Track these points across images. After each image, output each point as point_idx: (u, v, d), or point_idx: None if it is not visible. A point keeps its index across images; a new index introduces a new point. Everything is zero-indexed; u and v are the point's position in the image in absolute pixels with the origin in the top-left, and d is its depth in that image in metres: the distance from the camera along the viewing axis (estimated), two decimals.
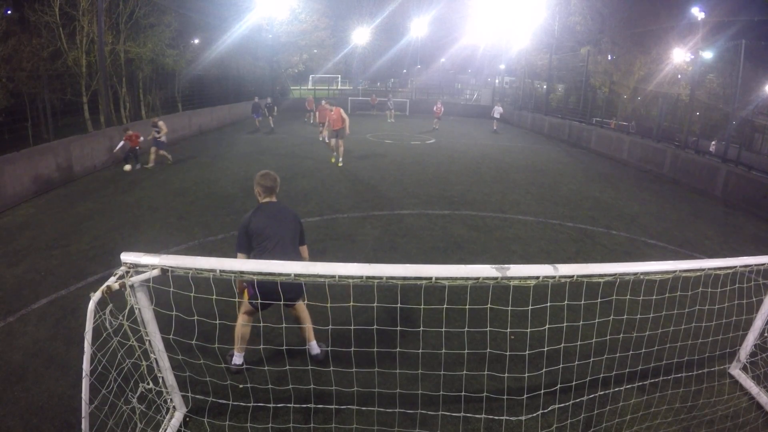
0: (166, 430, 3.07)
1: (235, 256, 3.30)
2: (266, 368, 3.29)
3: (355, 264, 2.40)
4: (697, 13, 25.04)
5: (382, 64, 43.30)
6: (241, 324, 3.61)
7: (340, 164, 12.18)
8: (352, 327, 3.26)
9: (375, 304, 2.98)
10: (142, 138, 11.32)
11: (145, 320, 2.71)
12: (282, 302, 3.36)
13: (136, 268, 2.50)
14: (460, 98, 39.30)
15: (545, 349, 3.08)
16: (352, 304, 2.97)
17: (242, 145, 15.52)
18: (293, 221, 3.61)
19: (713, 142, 18.89)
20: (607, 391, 3.54)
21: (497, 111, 22.86)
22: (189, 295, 2.67)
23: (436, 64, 48.24)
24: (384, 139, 17.86)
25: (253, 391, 3.33)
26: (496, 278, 2.40)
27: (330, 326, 3.03)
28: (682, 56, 26.31)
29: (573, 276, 2.50)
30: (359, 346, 3.43)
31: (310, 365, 3.29)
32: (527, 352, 3.20)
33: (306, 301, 3.50)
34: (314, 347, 3.81)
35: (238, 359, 3.71)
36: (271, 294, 3.19)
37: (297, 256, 3.55)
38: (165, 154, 11.75)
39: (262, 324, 3.46)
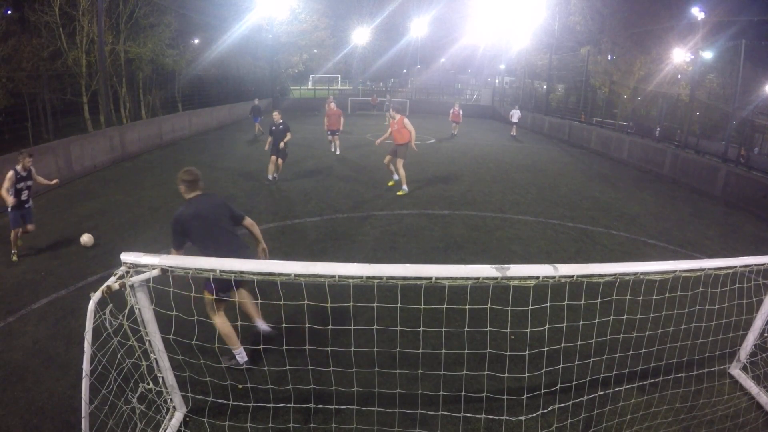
0: (166, 430, 3.07)
1: (169, 253, 3.36)
2: (266, 368, 3.29)
3: (355, 264, 2.40)
4: (697, 13, 25.05)
5: (382, 64, 43.26)
6: (221, 324, 3.68)
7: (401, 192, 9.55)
8: (352, 327, 3.27)
9: (375, 304, 2.98)
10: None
11: (145, 320, 2.71)
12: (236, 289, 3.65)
13: (136, 268, 2.50)
14: (460, 98, 39.29)
15: (545, 349, 3.08)
16: (352, 304, 2.97)
17: (242, 146, 15.53)
18: (220, 207, 3.82)
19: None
20: (607, 391, 3.54)
21: (516, 115, 21.09)
22: (189, 295, 2.67)
23: (436, 64, 48.19)
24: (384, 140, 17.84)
25: (253, 391, 3.33)
26: (496, 278, 2.40)
27: (330, 326, 3.03)
28: (682, 56, 26.31)
29: (573, 276, 2.50)
30: (359, 346, 3.43)
31: (309, 365, 3.29)
32: (527, 352, 3.20)
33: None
34: (262, 324, 3.91)
35: (240, 356, 3.77)
36: (228, 285, 3.45)
37: (234, 238, 3.80)
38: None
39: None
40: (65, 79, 17.31)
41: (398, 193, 9.45)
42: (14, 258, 5.83)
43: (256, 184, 10.06)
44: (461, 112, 19.85)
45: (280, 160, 9.98)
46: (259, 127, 17.54)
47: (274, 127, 9.97)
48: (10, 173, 5.74)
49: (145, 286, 2.64)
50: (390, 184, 10.17)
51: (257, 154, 13.71)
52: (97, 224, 7.25)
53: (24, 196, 5.85)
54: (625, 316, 3.70)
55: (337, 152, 13.91)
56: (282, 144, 9.81)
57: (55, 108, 15.00)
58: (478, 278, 2.41)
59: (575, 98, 26.42)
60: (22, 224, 5.85)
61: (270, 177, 10.05)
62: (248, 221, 4.02)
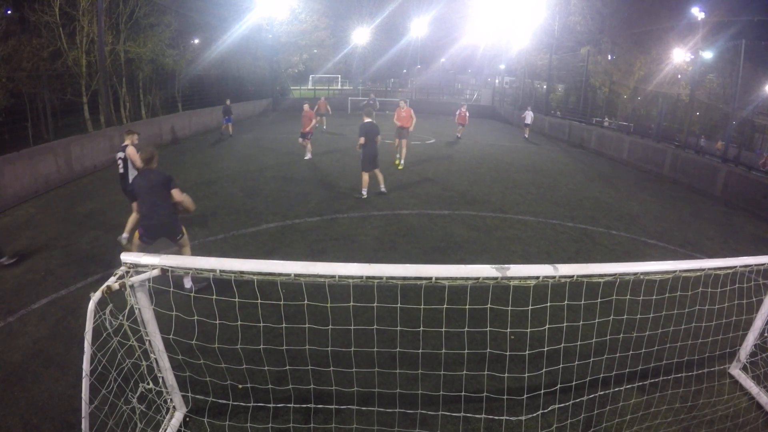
0: (166, 430, 3.07)
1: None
2: (266, 368, 3.29)
3: (355, 264, 2.40)
4: (697, 13, 25.05)
5: (382, 64, 43.28)
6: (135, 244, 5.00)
7: (401, 167, 11.75)
8: (352, 327, 3.26)
9: (375, 304, 2.98)
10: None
11: (145, 320, 2.71)
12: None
13: (136, 268, 2.50)
14: (460, 98, 39.30)
15: (545, 349, 3.08)
16: (352, 304, 2.97)
17: (242, 145, 15.52)
18: (158, 179, 4.86)
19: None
20: (607, 391, 3.54)
21: (529, 116, 20.42)
22: (189, 295, 2.67)
23: (436, 64, 48.22)
24: (384, 140, 17.83)
25: (253, 391, 3.33)
26: (496, 278, 2.40)
27: (330, 326, 3.03)
28: (682, 56, 26.31)
29: (573, 276, 2.50)
30: (359, 346, 3.43)
31: (309, 365, 3.29)
32: (527, 352, 3.20)
33: (183, 237, 5.11)
34: (187, 281, 4.94)
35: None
36: (155, 232, 4.94)
37: (165, 203, 4.85)
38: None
39: (262, 324, 3.46)
40: (65, 79, 17.29)
41: (399, 167, 11.97)
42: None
43: (256, 184, 10.06)
44: (467, 114, 18.85)
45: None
46: (225, 127, 16.70)
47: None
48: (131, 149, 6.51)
49: (145, 286, 2.64)
50: (397, 164, 12.29)
51: (257, 155, 13.72)
52: (97, 224, 7.25)
53: (121, 169, 6.65)
54: (625, 316, 3.70)
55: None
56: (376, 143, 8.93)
57: (55, 108, 15.00)
58: (478, 278, 2.41)
59: (575, 98, 26.42)
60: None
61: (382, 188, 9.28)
62: (178, 191, 4.96)
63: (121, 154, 6.56)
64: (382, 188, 9.30)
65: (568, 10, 27.94)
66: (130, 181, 6.13)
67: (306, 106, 13.21)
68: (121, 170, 6.59)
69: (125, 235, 6.39)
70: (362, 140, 8.64)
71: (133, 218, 6.40)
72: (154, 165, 5.02)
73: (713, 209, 10.19)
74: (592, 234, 7.67)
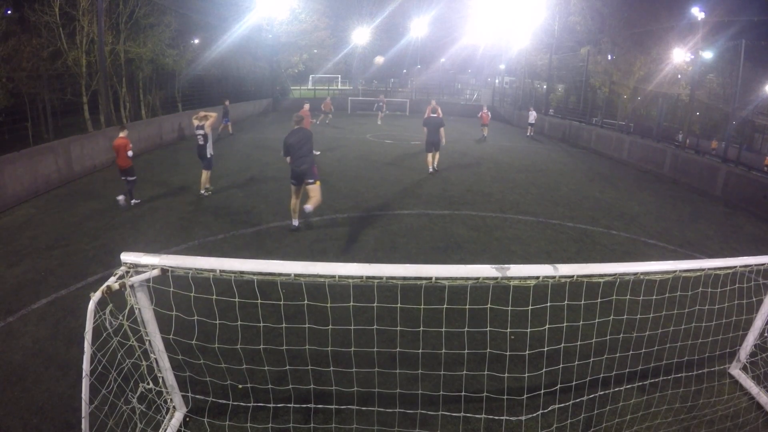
0: (166, 430, 3.07)
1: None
2: (266, 368, 3.29)
3: (355, 264, 2.40)
4: (697, 13, 25.03)
5: (382, 64, 43.26)
6: (291, 199, 7.13)
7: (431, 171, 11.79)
8: (352, 327, 3.26)
9: (375, 304, 2.98)
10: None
11: (145, 320, 2.71)
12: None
13: (136, 268, 2.50)
14: (460, 98, 39.30)
15: (545, 349, 3.08)
16: (352, 304, 2.97)
17: (242, 145, 15.51)
18: (306, 135, 7.06)
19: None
20: (607, 391, 3.54)
21: (533, 116, 21.32)
22: (189, 295, 2.67)
23: (436, 64, 48.20)
24: (384, 140, 17.86)
25: (253, 391, 3.33)
26: (496, 278, 2.40)
27: (330, 326, 3.03)
28: (682, 56, 26.31)
29: (573, 276, 2.50)
30: (359, 346, 3.43)
31: (309, 365, 3.29)
32: (527, 352, 3.20)
33: (316, 184, 6.87)
34: (307, 208, 6.77)
35: (295, 222, 7.07)
36: (300, 176, 6.87)
37: (309, 154, 6.98)
38: None
39: (262, 324, 3.46)
40: (65, 79, 17.28)
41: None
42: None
43: (256, 184, 10.06)
44: (489, 114, 20.32)
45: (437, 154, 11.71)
46: (224, 127, 17.15)
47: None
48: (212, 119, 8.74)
49: (145, 286, 2.64)
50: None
51: (257, 155, 13.72)
52: (97, 224, 7.25)
53: (200, 141, 8.74)
54: (625, 316, 3.70)
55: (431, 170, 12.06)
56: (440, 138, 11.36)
57: (55, 108, 14.98)
58: (478, 278, 2.41)
59: (575, 98, 26.42)
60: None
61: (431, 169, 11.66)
62: None
63: (200, 131, 8.67)
64: (434, 167, 11.78)
65: (568, 10, 27.94)
66: (208, 150, 8.74)
67: (306, 106, 13.79)
68: (201, 142, 8.73)
69: (204, 190, 9.10)
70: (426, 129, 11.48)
71: (205, 176, 9.02)
72: (303, 125, 7.10)
73: (713, 209, 10.19)
74: (592, 234, 7.67)
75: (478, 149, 16.46)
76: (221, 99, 18.89)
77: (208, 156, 8.77)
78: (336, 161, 12.95)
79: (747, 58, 14.93)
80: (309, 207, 6.84)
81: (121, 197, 8.09)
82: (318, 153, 13.71)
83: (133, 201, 8.32)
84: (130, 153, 8.10)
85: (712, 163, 12.09)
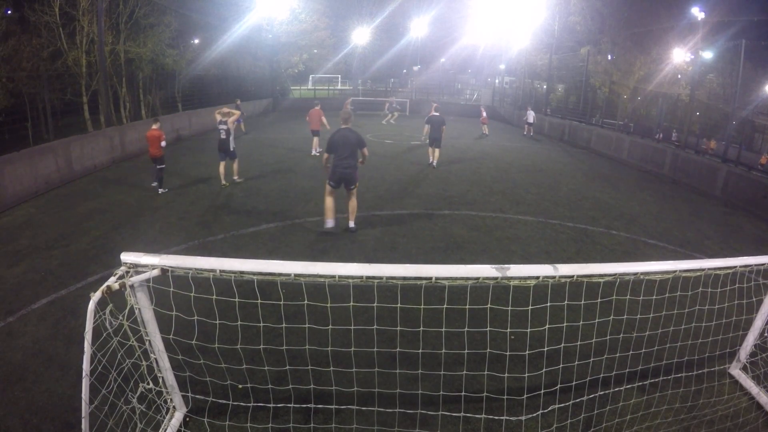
0: (166, 430, 3.07)
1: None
2: (266, 368, 3.29)
3: (355, 264, 2.40)
4: (697, 13, 25.04)
5: (382, 64, 43.26)
6: (326, 198, 6.63)
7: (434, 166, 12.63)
8: (352, 327, 3.26)
9: (375, 304, 2.98)
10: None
11: (145, 320, 2.71)
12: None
13: (136, 268, 2.50)
14: (460, 98, 39.30)
15: (545, 349, 3.08)
16: (352, 304, 2.97)
17: (242, 145, 15.50)
18: (354, 137, 6.63)
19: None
20: (607, 391, 3.54)
21: (531, 115, 21.45)
22: (189, 295, 2.67)
23: (436, 64, 48.19)
24: (384, 139, 17.86)
25: (253, 391, 3.33)
26: (496, 278, 2.40)
27: (330, 326, 3.03)
28: (682, 56, 26.32)
29: (573, 276, 2.50)
30: (359, 346, 3.43)
31: (309, 365, 3.29)
32: (527, 352, 3.20)
33: (355, 188, 6.80)
34: (352, 228, 6.75)
35: (330, 223, 6.59)
36: (339, 179, 6.51)
37: (353, 156, 6.74)
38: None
39: (262, 324, 3.46)
40: (65, 79, 17.30)
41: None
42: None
43: (256, 184, 10.06)
44: (486, 114, 22.11)
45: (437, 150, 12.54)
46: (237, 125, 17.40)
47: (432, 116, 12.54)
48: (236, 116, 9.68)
49: (145, 286, 2.64)
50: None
51: (256, 155, 13.72)
52: (97, 224, 7.25)
53: (222, 135, 9.42)
54: (625, 316, 3.70)
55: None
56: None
57: (55, 108, 15.00)
58: (478, 278, 2.41)
59: (575, 98, 26.43)
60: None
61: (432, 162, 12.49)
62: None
63: (223, 126, 9.34)
64: (433, 162, 12.56)
65: (568, 10, 27.96)
66: (230, 143, 9.51)
67: (318, 106, 14.17)
68: (223, 136, 9.40)
69: (237, 176, 10.11)
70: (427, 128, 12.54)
71: (236, 165, 10.02)
72: (350, 124, 6.64)
73: (713, 209, 10.19)
74: (592, 234, 7.67)
75: (478, 149, 16.46)
76: (222, 99, 18.94)
77: (231, 149, 9.61)
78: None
79: (747, 58, 14.94)
80: (353, 225, 7.01)
81: (155, 183, 9.23)
82: (320, 151, 14.02)
83: (161, 190, 9.12)
84: (163, 143, 9.05)
85: (712, 163, 12.08)
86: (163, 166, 9.17)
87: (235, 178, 10.06)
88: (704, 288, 3.20)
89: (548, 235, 7.44)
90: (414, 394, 3.32)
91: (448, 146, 16.81)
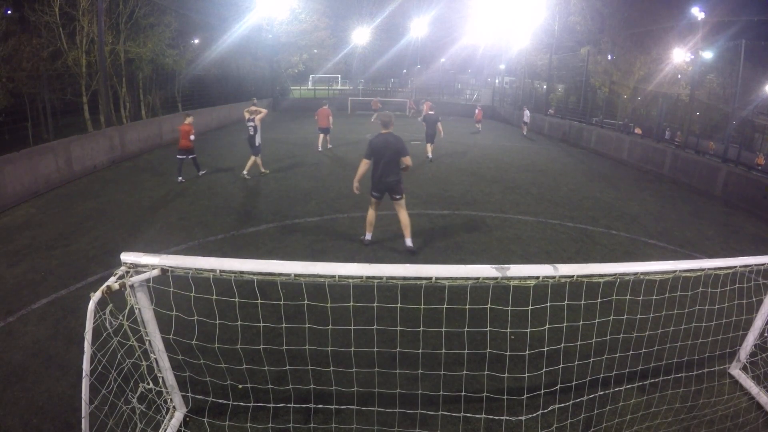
0: (166, 430, 3.07)
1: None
2: (266, 368, 3.29)
3: (355, 264, 2.40)
4: (697, 13, 25.05)
5: (382, 64, 43.31)
6: (369, 211, 6.32)
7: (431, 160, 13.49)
8: (352, 327, 3.26)
9: (375, 304, 2.98)
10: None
11: (145, 320, 2.71)
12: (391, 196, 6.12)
13: (136, 268, 2.50)
14: (460, 98, 39.31)
15: (545, 349, 3.08)
16: (352, 304, 2.97)
17: (242, 144, 15.50)
18: (397, 143, 5.95)
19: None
20: (607, 391, 3.54)
21: (527, 115, 21.96)
22: (189, 295, 2.67)
23: (436, 64, 48.21)
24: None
25: (253, 391, 3.33)
26: (496, 278, 2.40)
27: (330, 326, 3.03)
28: (682, 56, 26.32)
29: (573, 276, 2.50)
30: (359, 346, 3.43)
31: (309, 365, 3.29)
32: (527, 352, 3.20)
33: (402, 199, 6.20)
34: (410, 247, 6.15)
35: (368, 236, 6.42)
36: (383, 189, 6.06)
37: (396, 164, 6.11)
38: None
39: (262, 324, 3.46)
40: (65, 79, 17.30)
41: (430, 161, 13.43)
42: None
43: (256, 184, 10.06)
44: (481, 112, 24.03)
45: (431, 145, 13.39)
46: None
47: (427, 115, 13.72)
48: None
49: (145, 286, 2.64)
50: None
51: None
52: (97, 224, 7.25)
53: (251, 131, 10.28)
54: (625, 316, 3.70)
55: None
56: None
57: (55, 108, 14.98)
58: (478, 278, 2.41)
59: (575, 98, 26.43)
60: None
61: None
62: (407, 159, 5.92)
63: (251, 123, 10.15)
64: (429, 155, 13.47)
65: (568, 10, 27.96)
66: (255, 140, 10.31)
67: (326, 105, 14.80)
68: (251, 132, 10.24)
69: (264, 169, 10.96)
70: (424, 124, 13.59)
71: (252, 161, 10.58)
72: (391, 128, 6.08)
73: (713, 209, 10.19)
74: (592, 234, 7.67)
75: (478, 150, 16.46)
76: (221, 99, 18.95)
77: (257, 144, 10.36)
78: (336, 161, 12.95)
79: (747, 58, 14.93)
80: (410, 244, 6.22)
81: (180, 178, 10.07)
82: (329, 147, 14.91)
83: (201, 172, 10.66)
84: (192, 137, 10.06)
85: (712, 163, 12.08)
86: (194, 155, 10.40)
87: (263, 169, 10.94)
88: (704, 288, 3.20)
89: (548, 235, 7.44)
90: (414, 394, 3.32)
91: (449, 146, 16.84)
